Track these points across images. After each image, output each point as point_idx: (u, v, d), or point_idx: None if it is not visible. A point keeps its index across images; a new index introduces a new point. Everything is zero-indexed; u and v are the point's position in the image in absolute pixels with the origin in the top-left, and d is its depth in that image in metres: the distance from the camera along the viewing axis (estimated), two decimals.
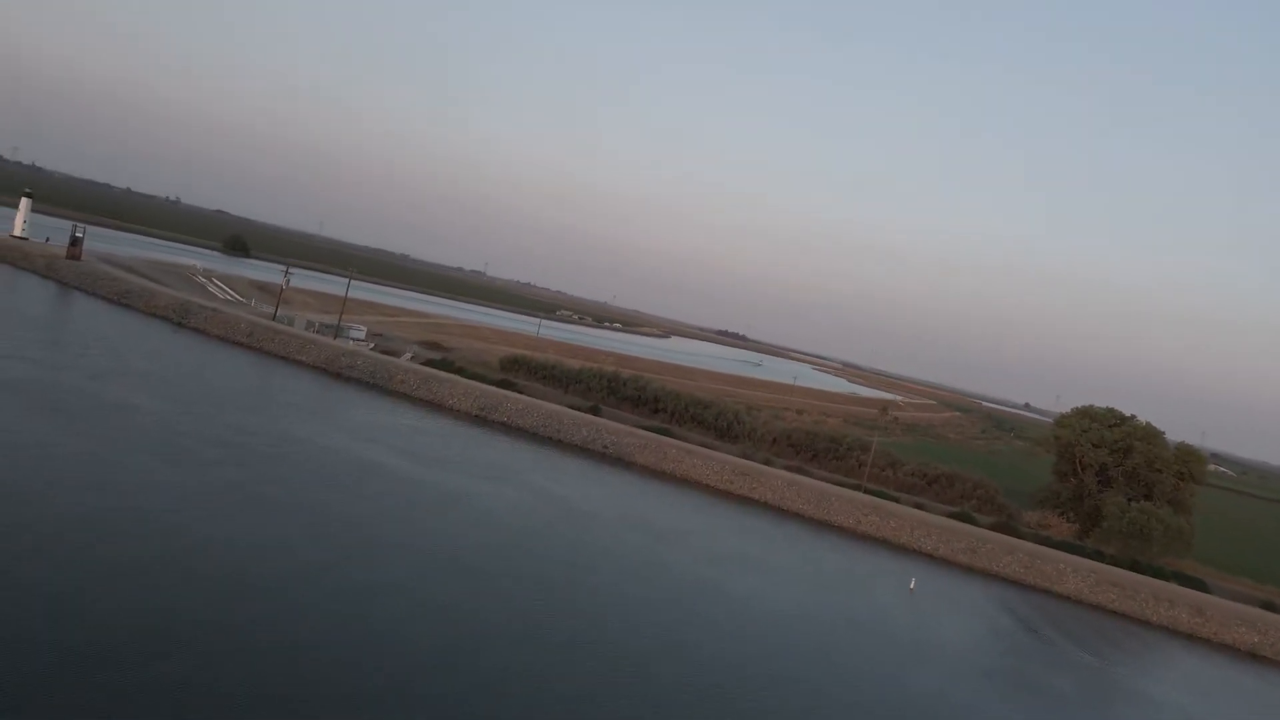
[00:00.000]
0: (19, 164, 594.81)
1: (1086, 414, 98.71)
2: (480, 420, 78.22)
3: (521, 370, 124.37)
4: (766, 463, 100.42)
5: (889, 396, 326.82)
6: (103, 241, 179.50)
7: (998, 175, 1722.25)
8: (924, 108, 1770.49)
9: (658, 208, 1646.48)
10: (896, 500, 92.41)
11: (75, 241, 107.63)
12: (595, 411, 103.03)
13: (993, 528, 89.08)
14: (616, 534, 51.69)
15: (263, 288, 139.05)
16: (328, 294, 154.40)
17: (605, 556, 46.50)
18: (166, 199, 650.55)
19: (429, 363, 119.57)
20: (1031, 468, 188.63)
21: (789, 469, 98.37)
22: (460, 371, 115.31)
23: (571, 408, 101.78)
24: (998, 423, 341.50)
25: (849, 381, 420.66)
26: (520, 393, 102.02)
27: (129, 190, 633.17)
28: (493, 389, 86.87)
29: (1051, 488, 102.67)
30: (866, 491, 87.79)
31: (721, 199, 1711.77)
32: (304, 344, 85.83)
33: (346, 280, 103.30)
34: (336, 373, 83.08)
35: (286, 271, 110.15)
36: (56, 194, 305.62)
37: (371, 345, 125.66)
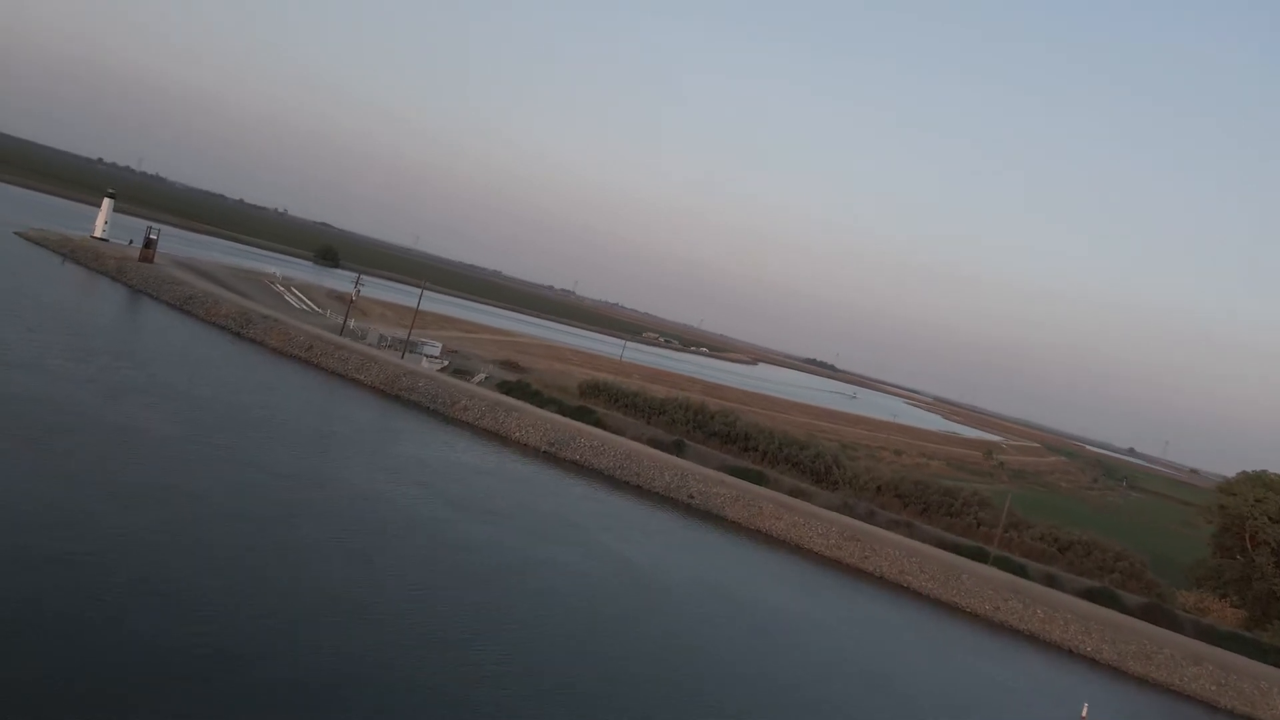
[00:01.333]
0: (144, 174, 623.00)
1: (1261, 481, 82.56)
2: (549, 457, 67.89)
3: (601, 397, 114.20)
4: (869, 515, 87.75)
5: (990, 437, 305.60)
6: (201, 248, 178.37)
7: (1091, 207, 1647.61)
8: (1014, 138, 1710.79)
9: (749, 233, 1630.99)
10: (1024, 570, 78.49)
11: (149, 243, 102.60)
12: (679, 446, 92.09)
13: (1142, 610, 74.22)
14: (710, 624, 40.30)
15: (341, 298, 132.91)
16: (407, 307, 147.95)
17: (700, 660, 35.15)
18: (275, 210, 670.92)
19: (503, 385, 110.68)
20: (1157, 525, 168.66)
21: (897, 525, 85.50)
22: (535, 396, 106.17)
23: (653, 441, 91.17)
24: (1107, 470, 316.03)
25: (944, 418, 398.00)
26: (598, 423, 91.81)
27: (241, 201, 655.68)
28: (564, 421, 76.59)
29: (1211, 564, 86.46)
30: (996, 562, 74.03)
31: (811, 227, 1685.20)
32: (363, 362, 77.32)
33: (419, 292, 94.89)
34: (395, 395, 74.16)
35: (358, 281, 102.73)
36: (164, 200, 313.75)
37: (445, 363, 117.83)
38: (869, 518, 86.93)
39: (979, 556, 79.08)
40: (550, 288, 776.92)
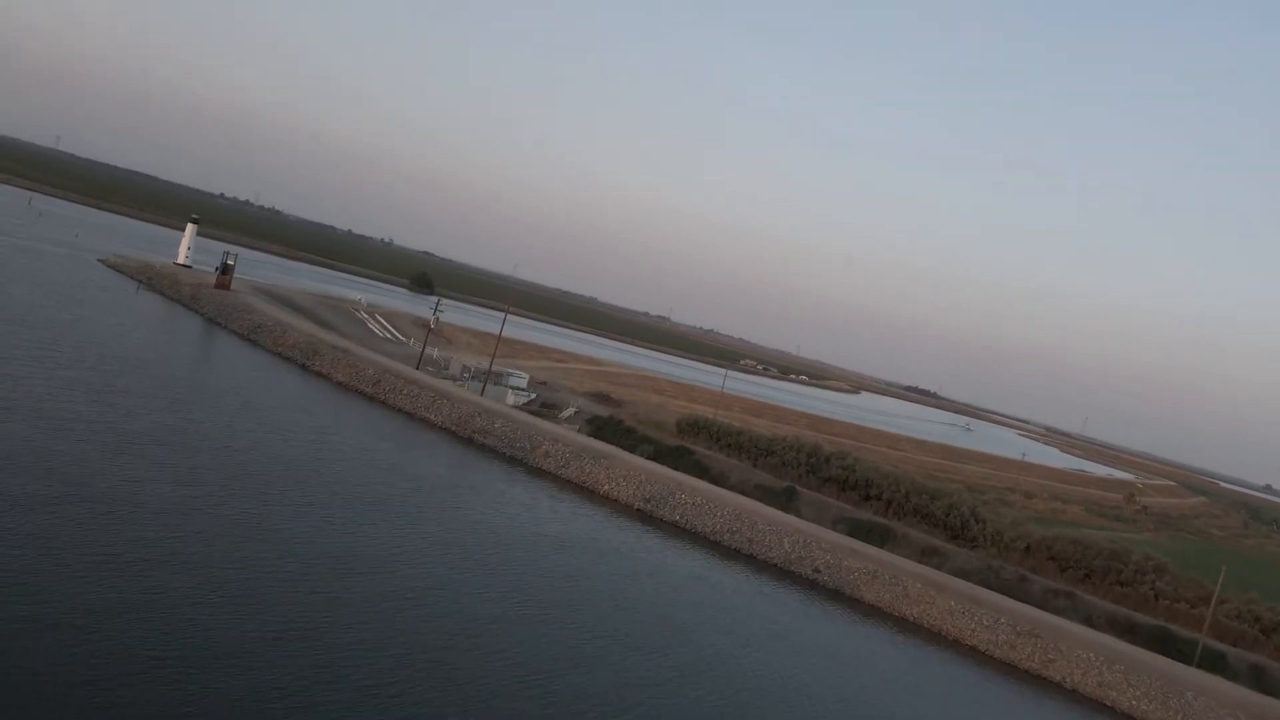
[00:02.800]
0: (260, 207, 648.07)
1: None
2: (645, 517, 56.23)
3: (702, 435, 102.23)
4: (1020, 582, 73.05)
5: (1120, 475, 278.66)
6: (298, 275, 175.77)
7: (1200, 231, 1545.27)
8: (1160, 159, 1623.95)
9: (844, 258, 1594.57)
10: (1224, 659, 62.63)
11: (225, 269, 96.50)
12: (791, 494, 79.43)
13: None
14: None
15: (427, 325, 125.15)
16: (495, 335, 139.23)
17: None
18: (381, 240, 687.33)
19: (594, 420, 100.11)
20: None
21: (1055, 595, 70.83)
22: (629, 433, 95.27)
23: (761, 488, 78.81)
24: (1253, 512, 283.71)
25: (1062, 451, 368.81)
26: (699, 465, 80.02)
27: (350, 232, 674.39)
28: (661, 472, 64.87)
29: None
30: (1203, 661, 58.33)
31: (904, 250, 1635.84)
32: (434, 399, 67.58)
33: (502, 317, 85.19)
34: (468, 437, 64.02)
35: (437, 307, 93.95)
36: (273, 230, 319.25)
37: (532, 396, 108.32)
38: (1020, 586, 72.23)
39: (1163, 640, 63.73)
40: (645, 314, 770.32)
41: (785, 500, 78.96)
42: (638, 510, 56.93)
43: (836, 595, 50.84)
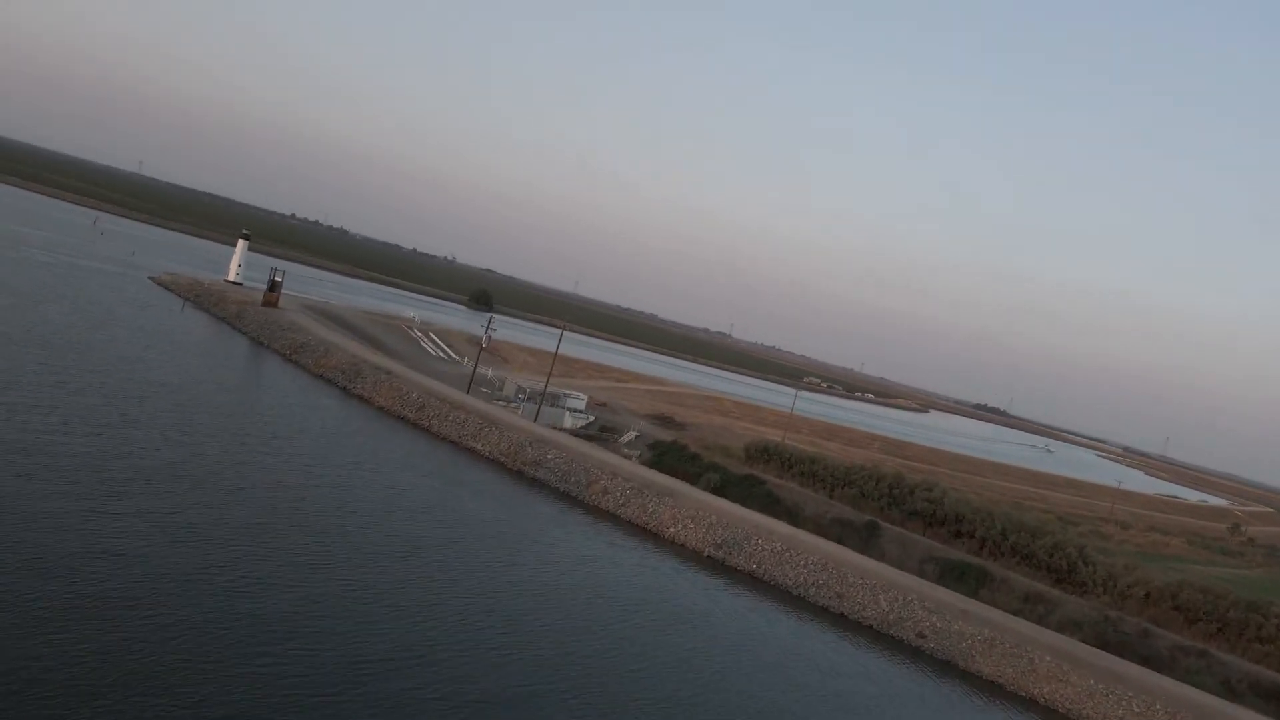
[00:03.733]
0: (329, 227, 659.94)
1: None
2: (716, 565, 48.61)
3: (773, 463, 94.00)
4: (1143, 636, 63.41)
5: (1214, 500, 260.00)
6: (356, 293, 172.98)
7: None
8: (1263, 167, 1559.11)
9: (907, 272, 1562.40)
10: None
11: (273, 286, 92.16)
12: (873, 530, 71.15)
13: None
14: None
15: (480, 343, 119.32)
16: (553, 353, 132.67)
17: None
18: (444, 258, 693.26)
19: (656, 446, 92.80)
20: None
21: (1184, 654, 61.28)
22: (693, 460, 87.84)
23: (839, 522, 70.79)
24: None
25: (1147, 475, 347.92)
26: (770, 496, 72.25)
27: (414, 250, 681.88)
28: (732, 510, 57.16)
29: None
30: None
31: (964, 260, 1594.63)
32: (482, 426, 61.08)
33: (559, 334, 78.27)
34: (518, 470, 57.29)
35: (489, 324, 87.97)
36: (335, 248, 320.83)
37: (591, 418, 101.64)
38: (1144, 642, 62.54)
39: None
40: (706, 330, 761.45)
41: (867, 536, 70.70)
42: (708, 557, 49.33)
43: (947, 667, 42.43)
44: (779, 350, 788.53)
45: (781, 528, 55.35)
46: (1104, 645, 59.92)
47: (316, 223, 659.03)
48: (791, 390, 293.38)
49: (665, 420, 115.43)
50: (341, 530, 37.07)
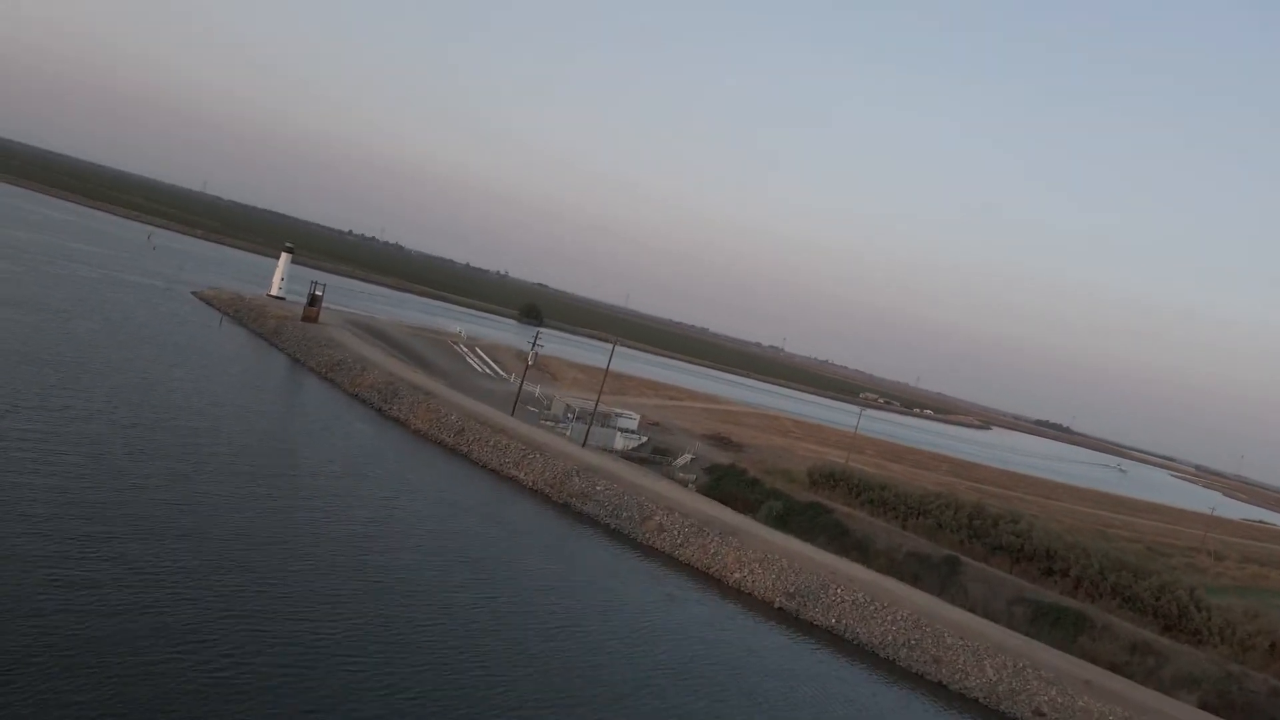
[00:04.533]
0: (384, 243, 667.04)
1: None
2: (789, 619, 41.95)
3: (840, 488, 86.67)
4: (1272, 695, 54.96)
5: None
6: (413, 308, 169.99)
7: None
8: None
9: (961, 283, 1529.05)
10: None
11: (313, 300, 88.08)
12: (953, 566, 63.80)
13: None
14: None
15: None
16: (603, 369, 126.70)
17: None
18: (496, 273, 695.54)
19: (713, 470, 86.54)
20: None
21: None
22: (753, 485, 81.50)
23: (916, 555, 63.84)
24: None
25: (1226, 496, 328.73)
26: (838, 528, 65.78)
27: (468, 265, 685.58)
28: (803, 552, 50.35)
29: None
30: None
31: (1023, 273, 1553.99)
32: (525, 453, 55.33)
33: (609, 349, 72.20)
34: (564, 503, 51.34)
35: (535, 340, 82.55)
36: (388, 263, 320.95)
37: (643, 439, 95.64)
38: (1273, 701, 54.18)
39: None
40: (758, 344, 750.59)
41: (947, 574, 63.39)
42: (779, 609, 42.69)
43: None
44: (831, 364, 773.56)
45: (861, 573, 48.45)
46: (1229, 707, 51.89)
47: (373, 239, 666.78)
48: (848, 406, 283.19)
49: (722, 441, 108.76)
50: (354, 589, 31.39)
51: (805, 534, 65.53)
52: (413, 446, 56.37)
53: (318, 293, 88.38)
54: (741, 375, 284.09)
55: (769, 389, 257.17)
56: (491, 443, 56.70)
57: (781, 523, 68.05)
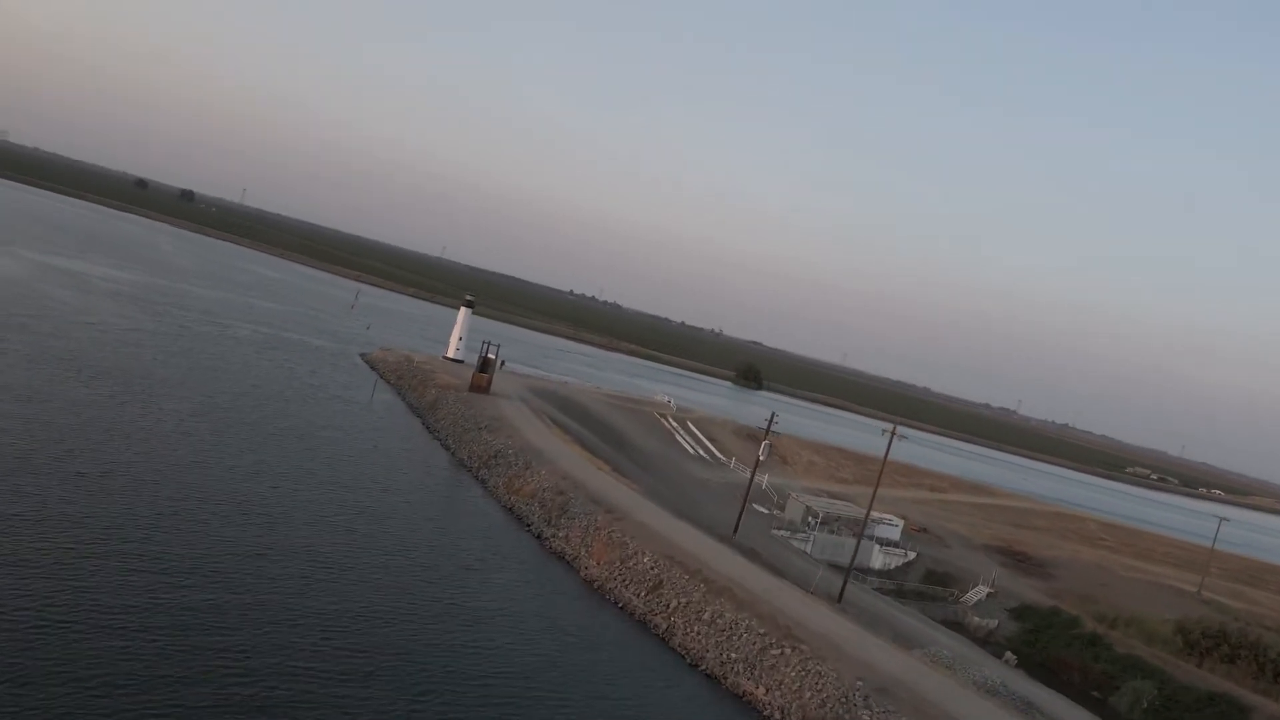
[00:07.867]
0: (603, 302, 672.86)
1: None
2: None
3: (1243, 660, 54.28)
4: None
5: None
6: (618, 369, 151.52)
7: None
8: None
9: (1224, 333, 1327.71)
10: None
11: (484, 365, 68.76)
12: None
13: None
14: None
15: (754, 437, 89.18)
16: (837, 448, 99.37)
17: None
18: (711, 331, 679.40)
19: (1021, 614, 58.71)
20: None
21: None
22: (1093, 647, 52.62)
23: None
24: None
25: None
26: None
27: (683, 324, 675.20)
28: None
29: None
30: None
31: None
32: (765, 644, 30.15)
33: (888, 433, 44.68)
34: None
35: (770, 422, 57.31)
36: (601, 321, 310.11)
37: (911, 555, 68.05)
38: None
39: None
40: (988, 405, 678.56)
41: None
42: None
43: None
44: (1071, 429, 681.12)
45: None
46: None
47: (592, 298, 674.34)
48: (1110, 485, 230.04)
49: (1011, 555, 77.77)
50: None
51: None
52: (587, 608, 33.13)
53: (490, 355, 68.91)
54: (974, 443, 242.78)
55: (1008, 460, 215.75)
56: (707, 614, 32.16)
57: None
